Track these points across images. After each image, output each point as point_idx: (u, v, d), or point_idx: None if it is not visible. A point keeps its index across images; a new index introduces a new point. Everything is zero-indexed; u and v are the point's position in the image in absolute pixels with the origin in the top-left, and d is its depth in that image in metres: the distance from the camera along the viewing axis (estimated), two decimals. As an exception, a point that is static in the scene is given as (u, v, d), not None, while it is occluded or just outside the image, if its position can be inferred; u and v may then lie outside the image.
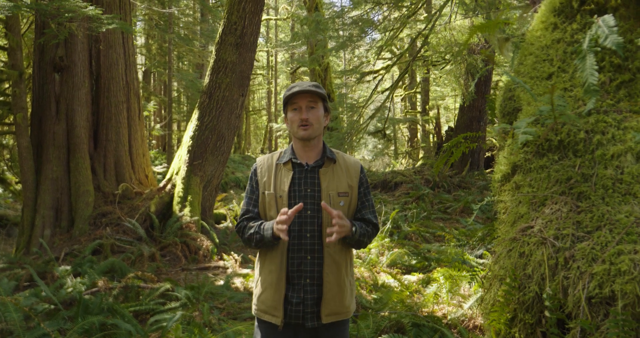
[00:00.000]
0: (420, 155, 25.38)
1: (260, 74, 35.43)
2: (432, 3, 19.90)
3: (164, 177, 11.27)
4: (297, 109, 2.87)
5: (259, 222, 2.89)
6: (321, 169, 2.94)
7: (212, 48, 11.43)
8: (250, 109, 34.88)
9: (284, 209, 2.69)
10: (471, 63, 13.68)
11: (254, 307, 3.00)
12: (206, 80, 10.03)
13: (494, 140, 18.72)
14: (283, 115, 3.01)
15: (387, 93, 14.20)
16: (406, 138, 31.03)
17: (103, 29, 7.91)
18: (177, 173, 9.98)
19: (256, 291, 2.99)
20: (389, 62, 17.65)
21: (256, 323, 3.03)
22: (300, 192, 2.88)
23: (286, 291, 2.86)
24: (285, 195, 2.87)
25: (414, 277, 7.15)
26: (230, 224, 10.67)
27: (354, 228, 2.83)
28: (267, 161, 3.04)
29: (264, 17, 26.98)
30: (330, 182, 2.91)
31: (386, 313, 5.33)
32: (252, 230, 2.86)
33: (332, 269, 2.87)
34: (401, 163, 26.22)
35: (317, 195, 2.88)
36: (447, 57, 14.55)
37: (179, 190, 9.60)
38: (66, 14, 7.28)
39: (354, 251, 8.65)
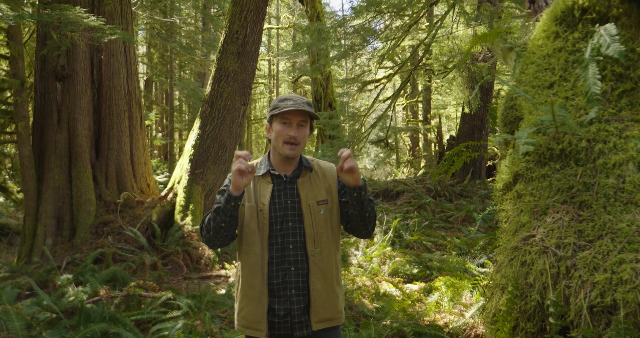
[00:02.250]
0: (422, 164, 25.36)
1: (262, 82, 35.46)
2: (434, 13, 19.96)
3: (165, 186, 11.27)
4: (286, 123, 2.84)
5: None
6: (299, 180, 2.94)
7: (214, 57, 11.46)
8: (252, 118, 34.89)
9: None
10: (475, 71, 13.70)
11: (236, 323, 2.96)
12: (208, 89, 10.05)
13: (495, 149, 18.70)
14: (266, 123, 2.99)
15: (388, 102, 14.22)
16: (408, 147, 31.03)
17: (105, 40, 7.94)
18: (178, 182, 9.98)
19: (237, 307, 2.95)
20: (391, 71, 17.71)
21: None
22: (281, 204, 2.88)
23: (271, 304, 2.84)
24: (266, 209, 2.86)
25: (415, 286, 7.14)
26: (231, 233, 10.65)
27: (362, 180, 2.80)
28: None
29: (266, 26, 27.05)
30: (309, 192, 2.92)
31: (388, 322, 5.32)
32: (213, 208, 2.80)
33: (318, 277, 2.86)
34: (403, 172, 26.20)
35: (297, 206, 2.88)
36: (450, 66, 14.57)
37: (180, 199, 9.60)
38: (68, 26, 7.30)
39: (358, 256, 8.64)
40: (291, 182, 2.93)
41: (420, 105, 27.09)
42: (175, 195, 9.84)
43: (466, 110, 15.69)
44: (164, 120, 27.63)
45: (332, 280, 2.93)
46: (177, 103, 25.50)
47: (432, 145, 26.30)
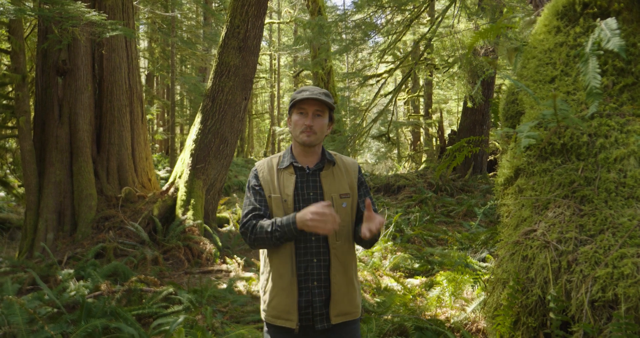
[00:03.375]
0: (423, 159, 25.37)
1: (263, 77, 35.46)
2: (435, 7, 19.93)
3: (166, 181, 11.27)
4: (303, 113, 2.86)
5: (272, 220, 2.81)
6: (322, 172, 2.95)
7: (215, 51, 11.46)
8: (253, 113, 34.90)
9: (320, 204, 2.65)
10: (477, 66, 13.68)
11: (263, 313, 2.95)
12: (209, 83, 10.04)
13: (497, 144, 18.69)
14: (287, 116, 3.01)
15: (390, 96, 14.20)
16: (409, 141, 31.05)
17: (107, 35, 7.91)
18: (180, 177, 9.98)
19: (265, 297, 2.93)
20: (392, 66, 17.66)
21: (265, 328, 2.99)
22: (304, 195, 2.88)
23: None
24: (290, 200, 2.86)
25: (417, 281, 7.13)
26: (233, 228, 10.66)
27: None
28: (267, 165, 3.02)
29: (267, 20, 26.99)
30: (332, 185, 2.92)
31: (389, 317, 5.33)
32: (268, 229, 2.76)
33: (338, 270, 2.87)
34: (404, 166, 26.22)
35: (320, 199, 2.87)
36: (451, 60, 14.55)
37: (182, 193, 9.60)
38: (69, 21, 7.28)
39: (359, 250, 8.64)
40: (314, 174, 2.94)
41: (421, 99, 27.12)
42: (177, 189, 9.84)
43: (469, 104, 15.68)
44: (165, 115, 27.63)
45: (352, 273, 2.94)
46: (179, 97, 25.47)
47: (434, 139, 26.31)
